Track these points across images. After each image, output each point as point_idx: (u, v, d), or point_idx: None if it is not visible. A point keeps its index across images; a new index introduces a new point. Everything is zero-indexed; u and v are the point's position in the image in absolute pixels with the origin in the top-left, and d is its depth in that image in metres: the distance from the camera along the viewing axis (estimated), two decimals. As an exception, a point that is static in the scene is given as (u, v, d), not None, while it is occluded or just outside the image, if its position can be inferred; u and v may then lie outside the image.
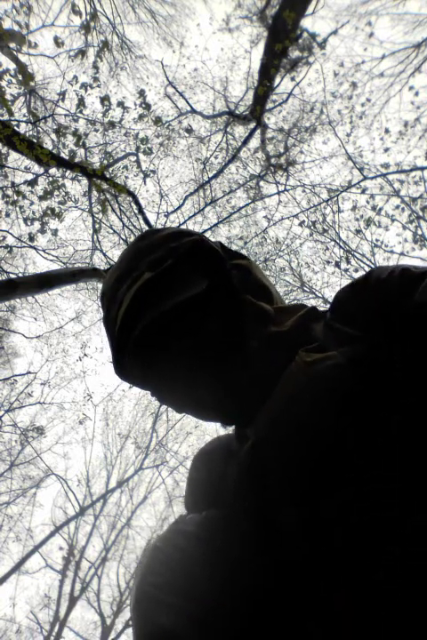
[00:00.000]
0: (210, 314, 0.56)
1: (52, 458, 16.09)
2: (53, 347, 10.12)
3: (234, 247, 7.20)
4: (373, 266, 6.60)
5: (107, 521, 13.69)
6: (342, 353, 0.49)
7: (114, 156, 6.79)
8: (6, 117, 5.19)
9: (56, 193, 5.96)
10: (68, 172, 5.89)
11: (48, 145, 5.89)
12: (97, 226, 6.66)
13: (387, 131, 6.91)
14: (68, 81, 5.79)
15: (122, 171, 6.85)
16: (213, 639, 0.45)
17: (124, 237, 6.27)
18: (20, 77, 5.68)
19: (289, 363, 0.53)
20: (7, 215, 6.02)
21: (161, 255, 0.59)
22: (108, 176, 6.14)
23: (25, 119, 6.10)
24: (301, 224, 6.90)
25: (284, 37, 5.91)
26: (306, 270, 7.81)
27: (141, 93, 6.20)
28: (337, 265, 6.84)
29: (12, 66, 5.88)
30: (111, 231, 6.75)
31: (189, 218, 6.67)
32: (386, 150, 6.81)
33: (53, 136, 5.95)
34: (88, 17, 6.14)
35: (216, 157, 7.37)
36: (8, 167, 5.80)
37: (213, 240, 0.67)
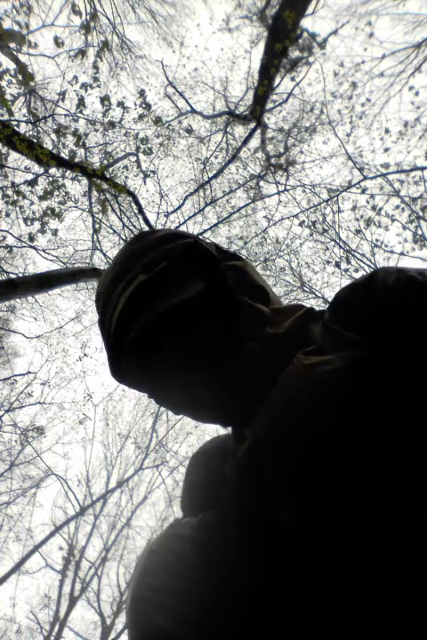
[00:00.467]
0: (205, 315, 0.56)
1: (52, 458, 16.16)
2: (53, 347, 10.16)
3: (234, 247, 7.22)
4: (373, 266, 6.60)
5: (107, 521, 13.69)
6: (342, 357, 0.48)
7: (114, 156, 6.79)
8: (6, 117, 5.20)
9: (56, 193, 5.96)
10: (68, 171, 5.89)
11: (48, 145, 5.90)
12: (97, 226, 6.66)
13: (387, 131, 6.91)
14: (68, 81, 5.80)
15: (122, 171, 6.85)
16: None
17: (124, 237, 6.26)
18: (20, 77, 5.68)
19: (286, 364, 0.52)
20: (7, 215, 6.03)
21: (155, 257, 0.59)
22: (108, 176, 6.14)
23: (25, 119, 6.10)
24: (301, 224, 6.90)
25: (284, 37, 5.92)
26: (306, 270, 7.82)
27: (141, 93, 6.20)
28: (337, 265, 6.84)
29: (12, 66, 5.89)
30: (111, 231, 6.76)
31: (189, 218, 6.68)
32: (386, 150, 6.82)
33: (53, 136, 5.96)
34: (88, 17, 6.15)
35: (216, 157, 7.38)
36: (8, 167, 5.80)
37: (208, 241, 0.67)
